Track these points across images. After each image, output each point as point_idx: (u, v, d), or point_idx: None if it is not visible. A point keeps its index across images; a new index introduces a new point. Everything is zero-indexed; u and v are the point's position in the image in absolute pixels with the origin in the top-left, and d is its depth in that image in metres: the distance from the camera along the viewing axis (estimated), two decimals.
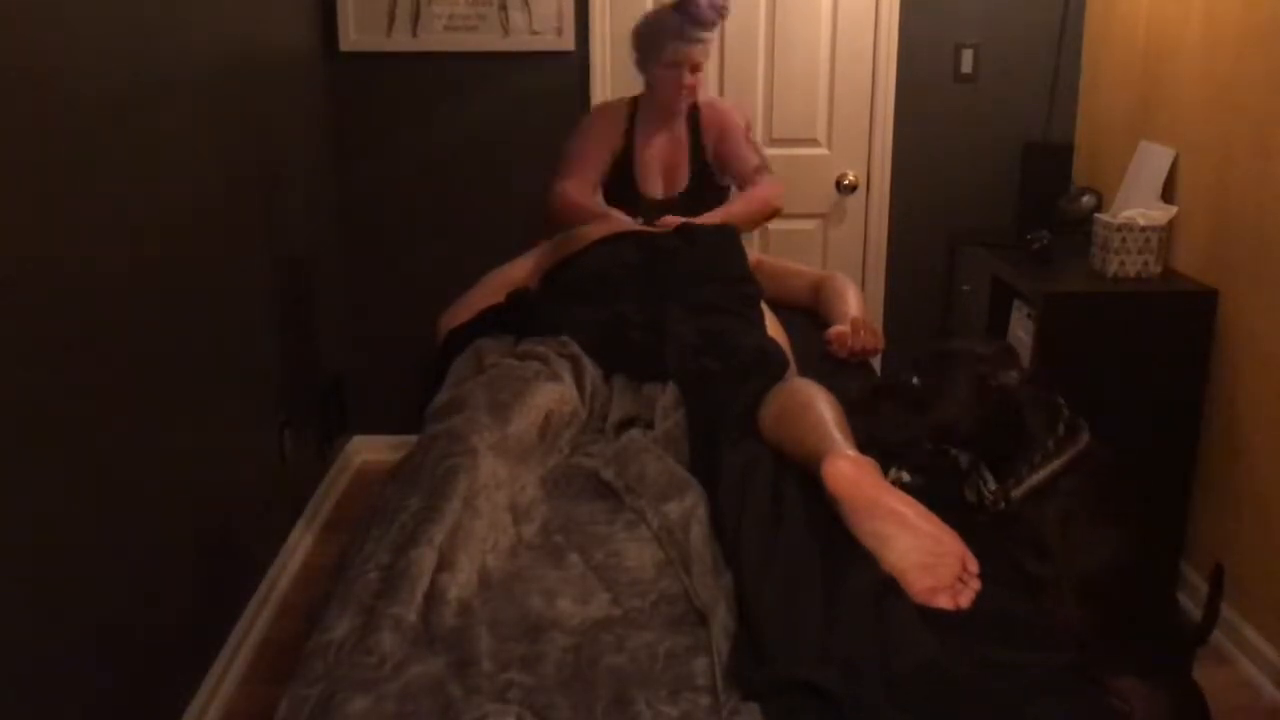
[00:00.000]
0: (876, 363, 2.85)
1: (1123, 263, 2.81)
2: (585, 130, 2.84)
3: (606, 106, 2.91)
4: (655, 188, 2.83)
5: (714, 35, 2.75)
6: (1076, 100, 3.49)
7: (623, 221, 2.65)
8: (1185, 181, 2.84)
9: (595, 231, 2.57)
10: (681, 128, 2.82)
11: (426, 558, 1.56)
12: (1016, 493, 1.80)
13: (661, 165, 2.84)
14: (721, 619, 1.48)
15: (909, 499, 1.62)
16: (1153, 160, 2.94)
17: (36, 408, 1.70)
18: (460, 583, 1.55)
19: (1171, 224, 2.84)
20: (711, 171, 2.86)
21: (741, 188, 2.82)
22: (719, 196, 2.86)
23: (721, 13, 2.67)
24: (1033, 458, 1.81)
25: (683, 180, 2.84)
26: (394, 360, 3.66)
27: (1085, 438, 1.84)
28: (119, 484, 1.99)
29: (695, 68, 2.71)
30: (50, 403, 1.74)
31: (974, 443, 1.86)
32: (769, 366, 2.08)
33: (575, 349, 2.20)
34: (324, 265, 3.47)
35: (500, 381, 2.04)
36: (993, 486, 1.83)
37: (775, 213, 2.84)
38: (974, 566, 1.57)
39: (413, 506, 1.68)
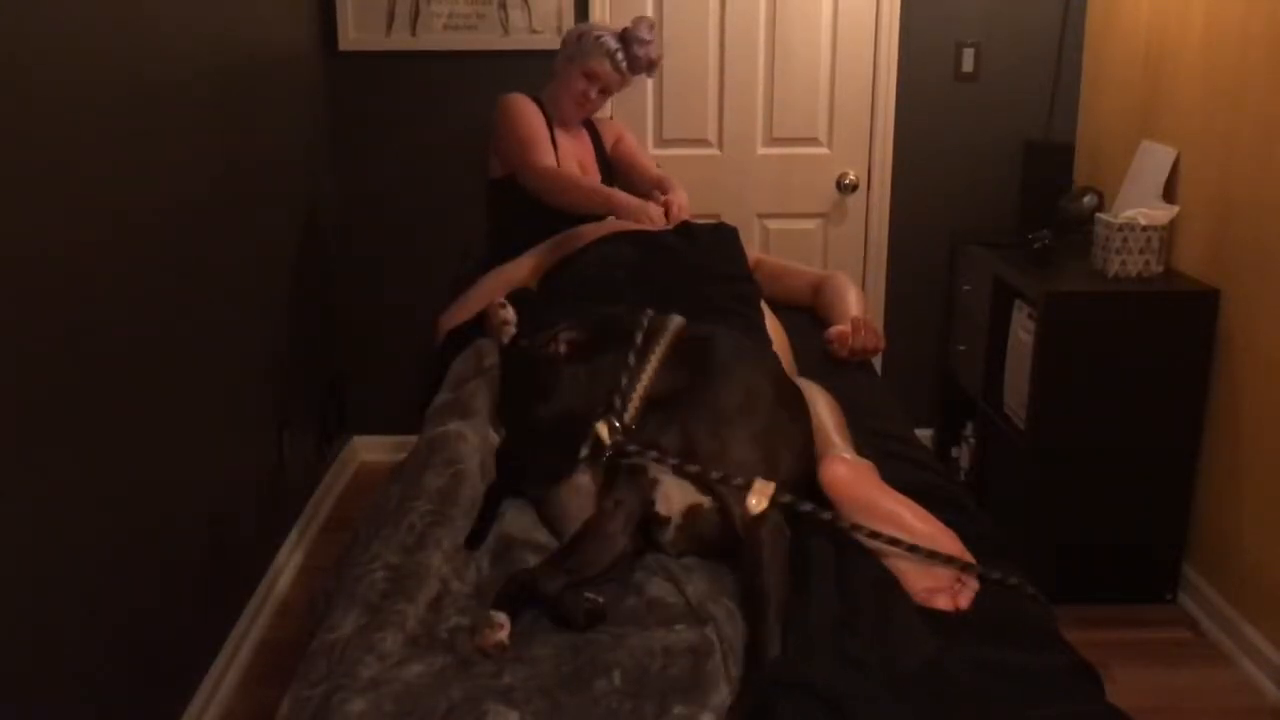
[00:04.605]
0: (877, 362, 2.84)
1: (1124, 262, 2.81)
2: (523, 114, 2.86)
3: (521, 98, 2.92)
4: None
5: (632, 83, 2.97)
6: (1078, 99, 3.48)
7: (625, 207, 2.65)
8: (1187, 181, 2.84)
9: (595, 230, 2.57)
10: (581, 128, 3.05)
11: (435, 561, 1.57)
12: (628, 408, 1.55)
13: (575, 158, 2.96)
14: (720, 617, 1.48)
15: (906, 500, 1.62)
16: (1154, 159, 2.93)
17: (34, 407, 1.70)
18: (465, 590, 1.56)
19: (1173, 223, 2.83)
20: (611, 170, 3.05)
21: (651, 188, 2.94)
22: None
23: (650, 71, 2.94)
24: (625, 359, 1.57)
25: (595, 175, 2.98)
26: (393, 360, 3.65)
27: (677, 319, 1.64)
28: (117, 484, 1.98)
29: (605, 91, 2.93)
30: (48, 403, 1.74)
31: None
32: None
33: None
34: (323, 264, 3.47)
35: None
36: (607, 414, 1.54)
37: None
38: None
39: (420, 508, 1.68)
